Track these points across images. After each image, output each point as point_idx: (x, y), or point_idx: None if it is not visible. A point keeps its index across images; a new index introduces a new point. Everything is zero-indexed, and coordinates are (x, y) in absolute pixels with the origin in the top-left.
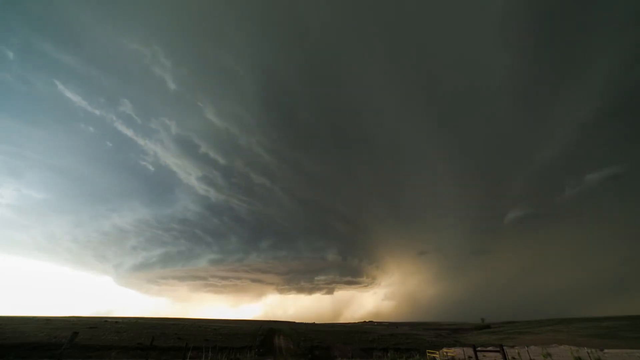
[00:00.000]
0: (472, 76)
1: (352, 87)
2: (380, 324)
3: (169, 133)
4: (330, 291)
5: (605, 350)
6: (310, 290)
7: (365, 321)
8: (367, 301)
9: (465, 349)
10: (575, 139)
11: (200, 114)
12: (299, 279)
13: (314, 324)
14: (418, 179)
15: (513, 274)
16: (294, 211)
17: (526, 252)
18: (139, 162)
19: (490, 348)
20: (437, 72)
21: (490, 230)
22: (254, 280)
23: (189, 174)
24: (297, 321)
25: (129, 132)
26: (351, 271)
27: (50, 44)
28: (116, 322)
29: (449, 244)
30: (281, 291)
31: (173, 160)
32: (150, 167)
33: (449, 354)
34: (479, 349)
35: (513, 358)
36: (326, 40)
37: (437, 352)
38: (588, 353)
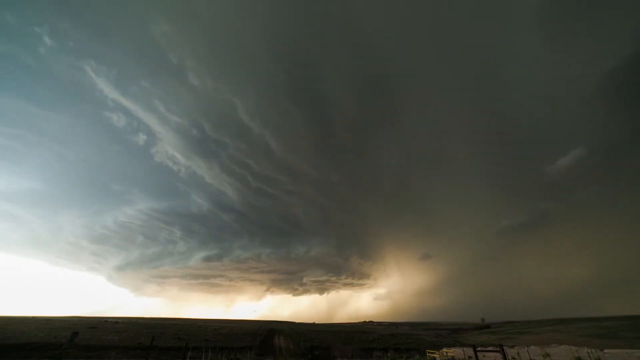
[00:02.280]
0: (508, 79)
1: (386, 87)
2: (380, 324)
3: (199, 129)
4: (327, 291)
5: (605, 350)
6: (306, 291)
7: (365, 321)
8: (366, 301)
9: (465, 349)
10: (593, 151)
11: (234, 113)
12: (297, 279)
13: (314, 324)
14: (430, 184)
15: (513, 275)
16: (300, 212)
17: (527, 254)
18: (159, 156)
19: (490, 348)
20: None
21: (494, 233)
22: (252, 280)
23: (208, 171)
24: (297, 321)
25: (157, 128)
26: (352, 272)
27: (84, 30)
28: (116, 322)
29: (452, 247)
30: (279, 291)
31: (194, 159)
32: (170, 162)
33: (449, 354)
34: (479, 349)
35: (513, 358)
36: (368, 43)
37: (437, 352)
38: (588, 353)
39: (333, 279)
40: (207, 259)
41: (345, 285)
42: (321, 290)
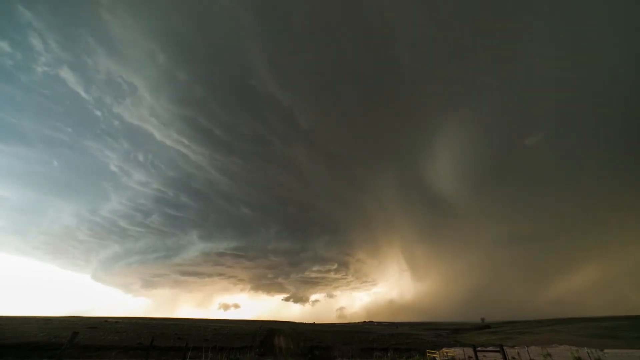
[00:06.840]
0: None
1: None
2: (380, 324)
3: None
4: (328, 292)
5: (605, 350)
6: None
7: (365, 321)
8: (370, 302)
9: (465, 349)
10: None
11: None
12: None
13: (314, 324)
14: (454, 197)
15: (514, 275)
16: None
17: (527, 256)
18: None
19: (490, 348)
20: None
21: (495, 238)
22: (247, 279)
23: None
24: (297, 321)
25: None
26: (362, 273)
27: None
28: (116, 322)
29: (457, 251)
30: (262, 292)
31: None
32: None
33: (449, 354)
34: (479, 349)
35: (513, 358)
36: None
37: (437, 352)
38: (588, 353)
39: (340, 275)
40: (204, 255)
41: (354, 286)
42: (329, 290)
